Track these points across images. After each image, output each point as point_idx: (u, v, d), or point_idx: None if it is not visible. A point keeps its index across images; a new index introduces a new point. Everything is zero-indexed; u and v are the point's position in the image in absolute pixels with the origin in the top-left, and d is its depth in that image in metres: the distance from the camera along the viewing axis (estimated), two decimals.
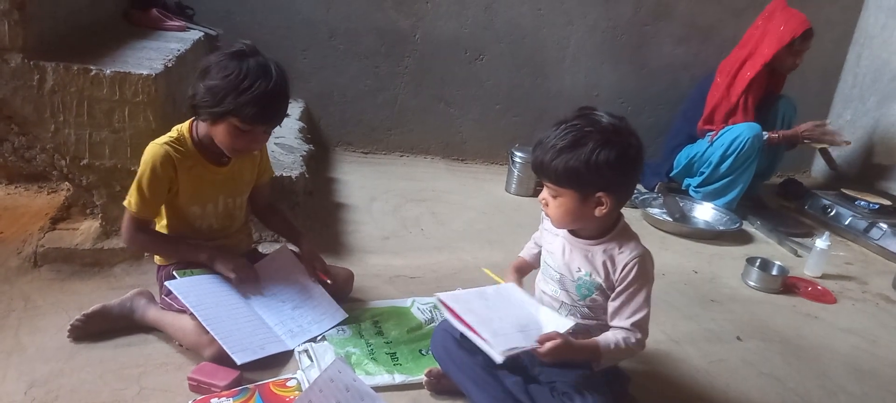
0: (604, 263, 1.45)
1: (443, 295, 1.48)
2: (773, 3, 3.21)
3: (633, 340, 1.43)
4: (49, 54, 1.91)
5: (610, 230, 1.47)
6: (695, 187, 3.36)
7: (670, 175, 3.48)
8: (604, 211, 1.40)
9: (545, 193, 1.45)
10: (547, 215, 1.48)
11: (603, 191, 1.38)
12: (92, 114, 1.93)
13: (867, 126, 3.87)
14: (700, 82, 3.46)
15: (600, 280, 1.46)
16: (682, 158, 3.39)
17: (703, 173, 3.29)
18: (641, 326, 1.44)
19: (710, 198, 3.29)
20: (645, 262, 1.44)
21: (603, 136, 1.34)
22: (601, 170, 1.34)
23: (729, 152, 3.14)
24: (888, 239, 3.06)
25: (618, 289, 1.44)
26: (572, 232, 1.51)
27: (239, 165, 1.81)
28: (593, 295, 1.48)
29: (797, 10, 3.14)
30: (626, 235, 1.47)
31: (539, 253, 1.65)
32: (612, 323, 1.46)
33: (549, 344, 1.36)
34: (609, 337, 1.44)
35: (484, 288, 1.55)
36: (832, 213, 3.36)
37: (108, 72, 1.91)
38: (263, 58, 1.62)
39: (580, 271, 1.48)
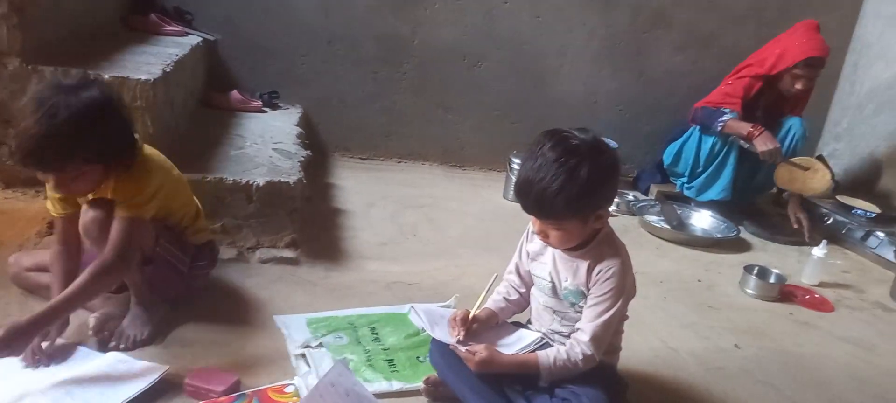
0: (588, 269, 1.47)
1: (417, 306, 1.67)
2: (804, 22, 3.16)
3: (579, 354, 1.43)
4: (47, 58, 1.92)
5: (594, 237, 1.48)
6: (686, 186, 3.40)
7: (662, 167, 3.51)
8: (603, 222, 1.45)
9: (542, 227, 1.44)
10: (548, 244, 1.49)
11: (602, 208, 1.43)
12: None
13: (865, 134, 3.87)
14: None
15: (584, 288, 1.48)
16: (671, 149, 3.43)
17: (686, 169, 3.36)
18: (598, 335, 1.44)
19: (702, 191, 3.32)
20: (624, 270, 1.46)
21: (590, 160, 1.34)
22: (602, 192, 1.40)
23: (701, 145, 3.25)
24: (885, 248, 3.07)
25: (592, 291, 1.46)
26: None
27: None
28: (581, 303, 1.50)
29: (822, 37, 3.09)
30: (608, 241, 1.49)
31: (506, 306, 1.63)
32: (577, 325, 1.48)
33: (476, 357, 1.43)
34: (550, 353, 1.46)
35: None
36: (829, 222, 3.36)
37: (106, 76, 1.91)
38: (61, 96, 1.39)
39: (567, 280, 1.50)
